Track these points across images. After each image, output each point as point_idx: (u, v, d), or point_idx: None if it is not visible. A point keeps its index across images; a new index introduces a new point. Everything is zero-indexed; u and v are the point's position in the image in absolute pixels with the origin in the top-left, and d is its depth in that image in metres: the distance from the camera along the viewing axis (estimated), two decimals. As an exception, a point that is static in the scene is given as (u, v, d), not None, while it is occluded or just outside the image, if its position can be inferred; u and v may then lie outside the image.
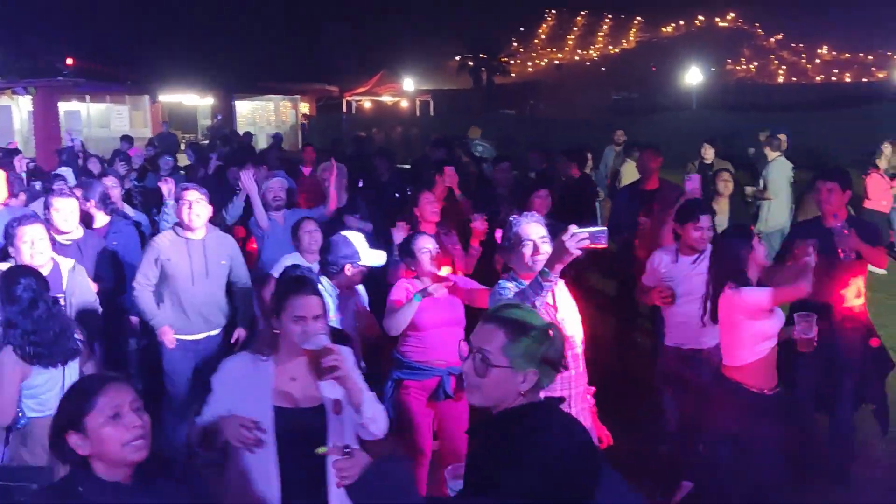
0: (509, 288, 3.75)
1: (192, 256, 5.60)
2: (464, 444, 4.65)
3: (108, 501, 2.45)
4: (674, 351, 5.09)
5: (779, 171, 9.74)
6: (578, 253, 3.29)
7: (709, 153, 10.62)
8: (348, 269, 4.87)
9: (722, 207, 7.88)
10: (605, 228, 3.35)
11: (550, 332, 2.30)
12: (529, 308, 2.35)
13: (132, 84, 28.91)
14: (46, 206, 5.74)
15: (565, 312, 3.77)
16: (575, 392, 3.73)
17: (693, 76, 29.43)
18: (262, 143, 24.12)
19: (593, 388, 3.88)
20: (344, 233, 5.11)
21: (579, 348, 3.78)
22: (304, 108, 34.73)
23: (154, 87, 29.35)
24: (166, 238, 5.68)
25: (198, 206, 5.57)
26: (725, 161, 10.49)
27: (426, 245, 4.86)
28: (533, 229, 3.83)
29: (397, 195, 8.56)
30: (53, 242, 5.30)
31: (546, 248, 3.72)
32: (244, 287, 5.88)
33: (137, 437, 2.48)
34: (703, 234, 4.98)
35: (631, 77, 46.80)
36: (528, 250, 3.79)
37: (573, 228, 3.29)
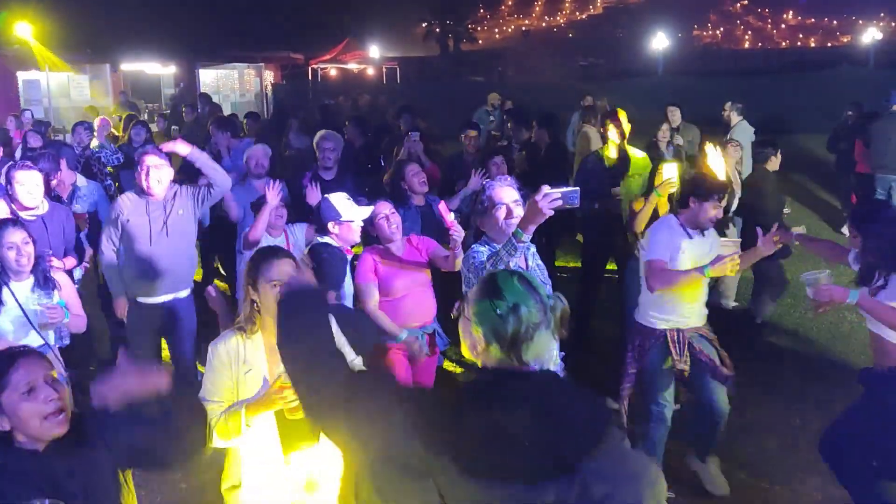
0: (483, 251, 3.81)
1: (150, 216, 5.52)
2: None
3: (26, 468, 2.41)
4: (674, 331, 4.91)
5: (742, 135, 9.86)
6: (551, 213, 3.32)
7: (675, 116, 10.71)
8: (332, 227, 4.92)
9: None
10: (578, 189, 3.38)
11: (525, 309, 2.19)
12: (535, 281, 2.27)
13: (92, 53, 28.32)
14: (8, 181, 5.59)
15: (538, 277, 3.81)
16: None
17: (659, 42, 29.40)
18: (226, 112, 23.78)
19: (562, 353, 3.90)
20: (326, 196, 5.15)
21: None
22: (269, 76, 34.29)
23: (115, 56, 28.78)
24: (128, 198, 5.63)
25: (157, 172, 5.51)
26: (692, 125, 10.57)
27: (383, 211, 4.93)
28: (506, 193, 3.89)
29: (369, 165, 8.57)
30: (16, 217, 5.23)
31: (519, 212, 3.77)
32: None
33: (55, 409, 2.43)
34: (719, 213, 4.84)
35: (598, 43, 46.64)
36: (501, 213, 3.85)
37: (546, 188, 3.31)
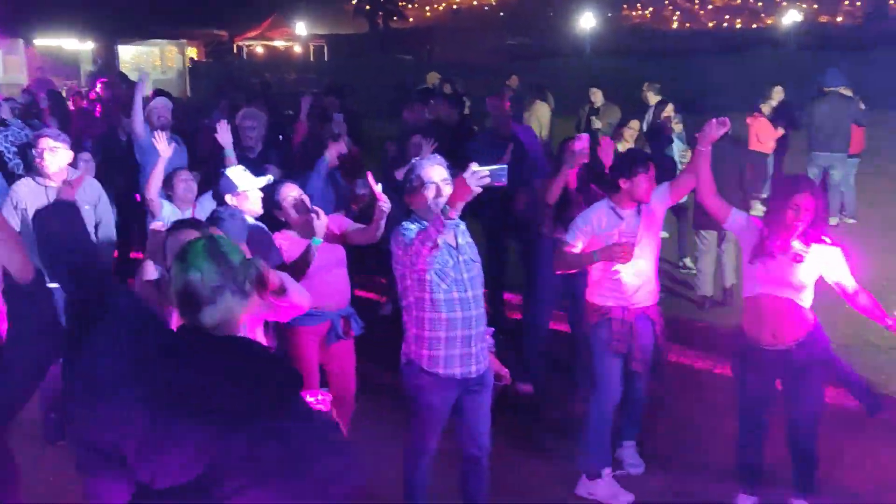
0: (412, 228, 3.86)
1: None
2: (352, 380, 4.97)
3: None
4: (619, 309, 4.89)
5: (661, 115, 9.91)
6: (479, 190, 3.38)
7: (597, 97, 10.80)
8: (230, 199, 4.85)
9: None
10: (505, 167, 3.45)
11: (196, 274, 2.32)
12: (226, 248, 2.40)
13: (2, 27, 27.13)
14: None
15: (468, 254, 3.95)
16: (476, 332, 3.93)
17: (587, 21, 29.52)
18: (147, 90, 23.03)
19: (492, 329, 4.09)
20: (223, 170, 5.11)
21: (480, 290, 3.98)
22: (192, 53, 33.44)
23: (28, 30, 27.66)
24: (24, 185, 5.39)
25: (54, 154, 5.27)
26: (614, 105, 10.58)
27: (290, 193, 4.81)
28: (435, 172, 3.93)
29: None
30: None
31: (448, 190, 3.79)
32: (106, 229, 5.75)
33: None
34: (653, 183, 4.81)
35: (528, 22, 46.65)
36: (430, 192, 3.90)
37: (474, 166, 3.34)
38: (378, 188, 4.58)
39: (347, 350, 4.95)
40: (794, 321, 4.27)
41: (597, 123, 10.19)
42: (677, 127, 8.49)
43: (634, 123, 8.22)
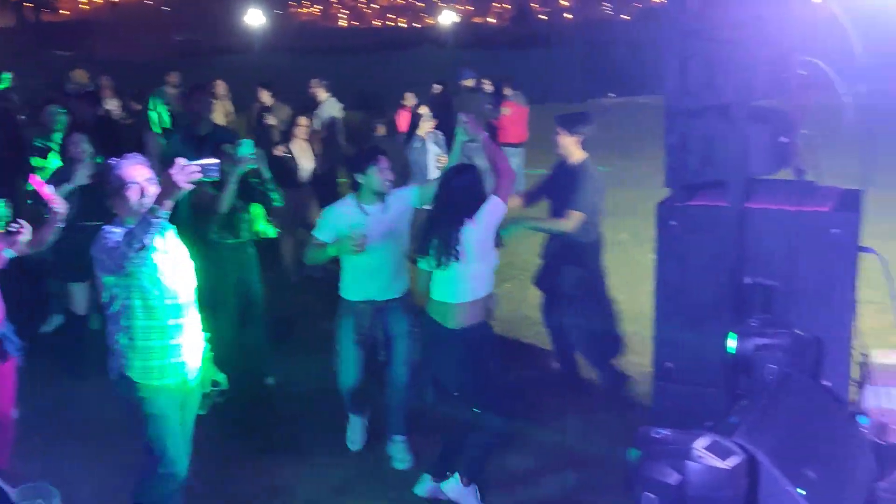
0: (116, 231, 3.67)
1: None
2: (10, 405, 4.52)
3: None
4: (359, 303, 5.03)
5: (329, 111, 10.28)
6: (189, 186, 3.32)
7: (265, 96, 10.94)
8: None
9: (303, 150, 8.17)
10: (218, 161, 3.44)
11: None
12: None
13: None
14: None
15: (176, 259, 3.82)
16: (188, 340, 3.84)
17: (254, 18, 29.42)
18: None
19: (208, 334, 4.00)
20: None
21: (190, 297, 3.87)
22: None
23: None
24: None
25: None
26: (284, 104, 10.75)
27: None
28: (137, 171, 3.78)
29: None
30: None
31: (154, 190, 3.65)
32: None
33: None
34: (387, 175, 4.91)
35: (195, 18, 45.40)
36: (133, 193, 3.74)
37: (182, 161, 3.27)
38: (48, 189, 4.39)
39: (5, 373, 4.51)
40: None
41: (271, 120, 10.31)
42: (427, 126, 8.66)
43: (303, 120, 8.43)
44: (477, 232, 4.37)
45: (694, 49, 4.05)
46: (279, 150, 7.94)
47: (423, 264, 4.48)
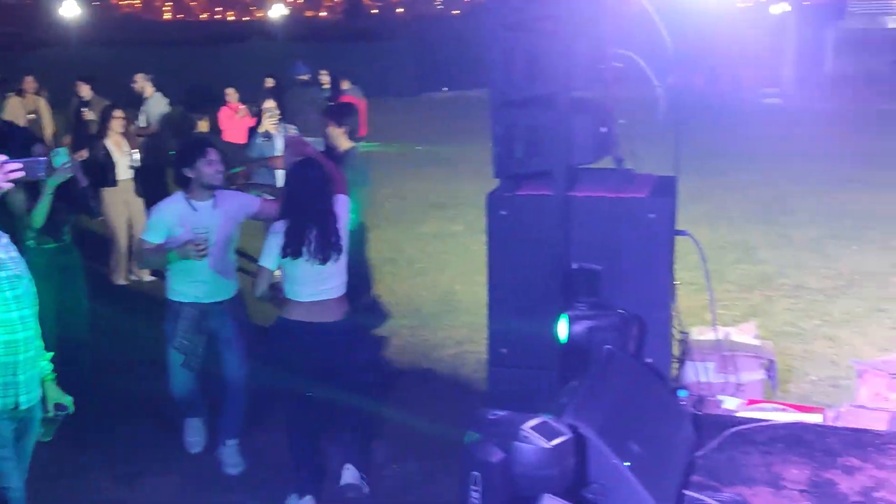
0: None
1: None
2: None
3: None
4: (186, 306, 4.82)
5: (156, 107, 10.02)
6: (9, 185, 3.13)
7: (84, 90, 10.47)
8: None
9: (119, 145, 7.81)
10: (44, 159, 3.31)
11: None
12: None
13: None
14: None
15: (12, 270, 3.37)
16: (24, 357, 3.41)
17: (69, 9, 27.88)
18: None
19: (50, 353, 3.62)
20: None
21: (31, 309, 3.43)
22: None
23: None
24: None
25: None
26: (104, 99, 10.29)
27: None
28: None
29: None
30: None
31: None
32: None
33: None
34: (217, 167, 4.73)
35: (13, 9, 42.60)
36: None
37: (2, 158, 3.09)
38: None
39: None
40: None
41: (89, 115, 9.82)
42: (271, 125, 8.29)
43: (118, 112, 7.99)
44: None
45: (516, 41, 4.17)
46: (81, 155, 7.35)
47: (283, 264, 4.39)
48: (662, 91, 4.33)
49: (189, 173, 4.75)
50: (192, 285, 4.82)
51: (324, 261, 4.34)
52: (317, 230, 4.32)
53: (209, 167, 4.74)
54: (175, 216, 4.75)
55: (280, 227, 4.37)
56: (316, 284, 4.41)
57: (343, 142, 6.18)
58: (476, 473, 2.46)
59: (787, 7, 24.94)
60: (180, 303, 4.85)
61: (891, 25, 31.59)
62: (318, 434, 4.69)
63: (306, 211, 4.33)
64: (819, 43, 28.50)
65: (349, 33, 31.59)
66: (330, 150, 6.27)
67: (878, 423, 4.14)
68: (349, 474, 4.58)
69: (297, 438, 4.58)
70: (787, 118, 19.58)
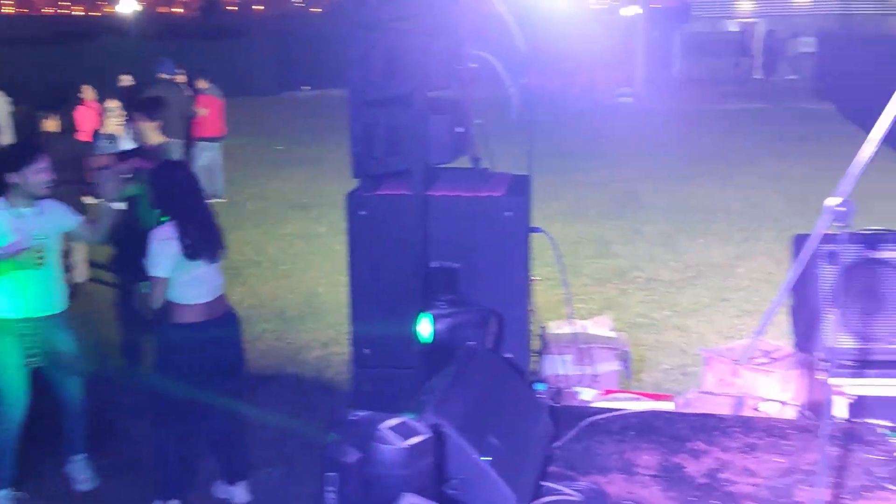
0: None
1: None
2: None
3: None
4: (15, 322, 4.50)
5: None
6: None
7: None
8: None
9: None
10: None
11: None
12: None
13: None
14: None
15: None
16: None
17: None
18: None
19: None
20: None
21: None
22: None
23: None
24: None
25: None
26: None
27: None
28: None
29: None
30: None
31: None
32: None
33: None
34: (45, 176, 4.44)
35: None
36: None
37: None
38: None
39: None
40: None
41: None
42: (115, 126, 7.78)
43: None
44: None
45: (374, 41, 4.16)
46: None
47: (176, 268, 4.21)
48: (515, 91, 4.42)
49: (14, 179, 4.45)
50: (22, 299, 4.50)
51: (217, 258, 4.34)
52: (205, 229, 4.29)
53: (37, 175, 4.47)
54: (6, 223, 4.45)
55: (165, 232, 4.22)
56: (212, 282, 4.35)
57: (154, 136, 6.06)
58: (332, 474, 2.45)
59: (637, 10, 25.92)
60: (10, 319, 4.51)
61: (732, 28, 33.50)
62: (187, 437, 4.54)
63: (193, 212, 4.27)
64: (667, 45, 29.90)
65: (206, 31, 30.79)
66: (140, 146, 6.16)
67: (723, 408, 4.37)
68: (233, 490, 4.54)
69: (163, 441, 4.43)
70: (638, 117, 20.43)
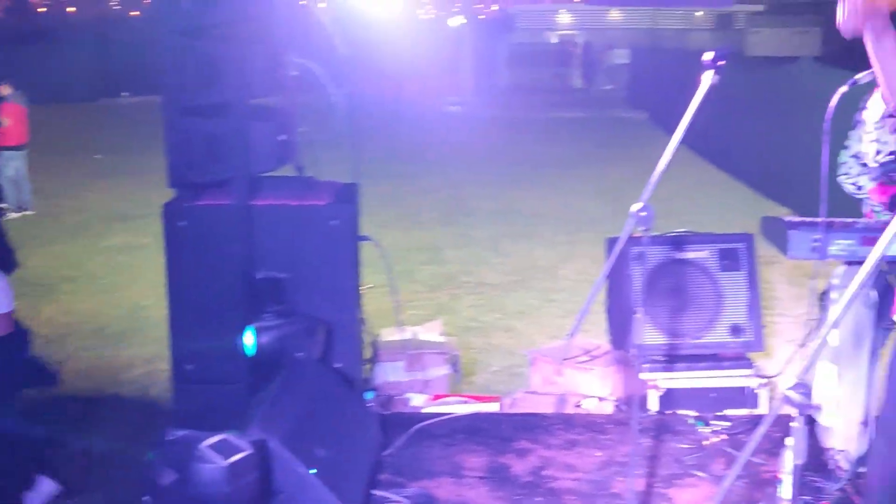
0: None
1: None
2: None
3: None
4: None
5: None
6: None
7: None
8: None
9: None
10: None
11: None
12: None
13: None
14: None
15: None
16: None
17: None
18: None
19: None
20: None
21: None
22: None
23: None
24: None
25: None
26: None
27: None
28: None
29: None
30: None
31: None
32: None
33: None
34: None
35: None
36: None
37: None
38: None
39: None
40: None
41: None
42: None
43: None
44: None
45: (190, 47, 4.03)
46: None
47: None
48: (338, 99, 4.40)
49: None
50: None
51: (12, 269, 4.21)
52: None
53: None
54: None
55: None
56: (9, 294, 4.16)
57: None
58: (147, 498, 2.36)
59: (463, 20, 26.50)
60: None
61: (553, 40, 34.89)
62: None
63: None
64: (493, 55, 30.72)
65: (14, 34, 28.93)
66: None
67: (548, 407, 4.52)
68: None
69: None
70: (466, 125, 20.86)
